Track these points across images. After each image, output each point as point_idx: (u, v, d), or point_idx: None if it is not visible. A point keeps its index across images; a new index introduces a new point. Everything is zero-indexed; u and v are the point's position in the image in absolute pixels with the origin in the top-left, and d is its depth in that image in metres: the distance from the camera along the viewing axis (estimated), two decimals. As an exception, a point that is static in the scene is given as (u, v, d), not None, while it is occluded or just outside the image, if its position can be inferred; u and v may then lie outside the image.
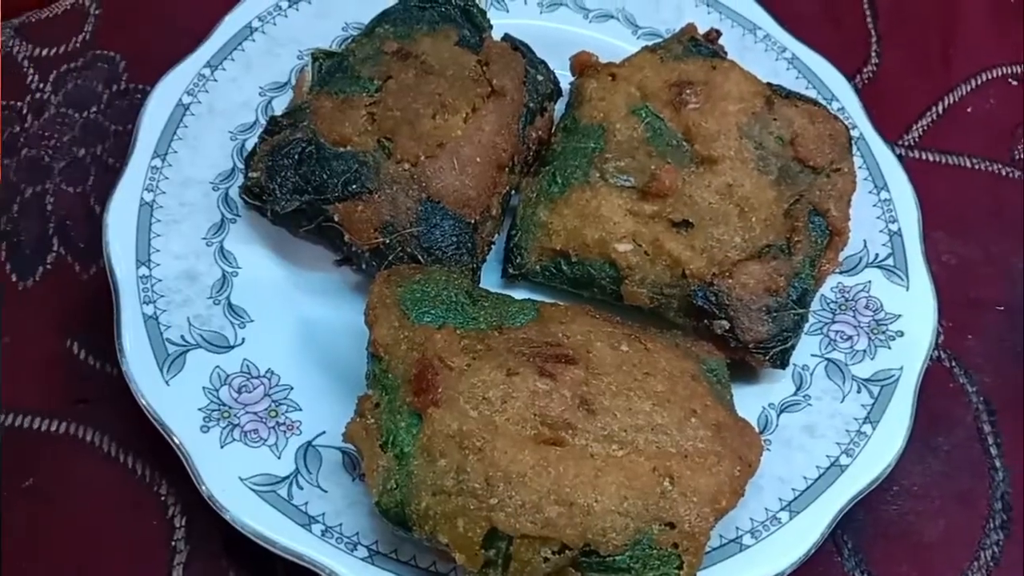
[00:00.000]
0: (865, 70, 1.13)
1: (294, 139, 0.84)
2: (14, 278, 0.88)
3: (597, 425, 0.70)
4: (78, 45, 1.02)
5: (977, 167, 1.07)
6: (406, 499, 0.67)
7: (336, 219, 0.82)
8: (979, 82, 1.14)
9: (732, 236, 0.84)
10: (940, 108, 1.11)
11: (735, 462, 0.72)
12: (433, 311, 0.75)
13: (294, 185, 0.82)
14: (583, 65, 0.95)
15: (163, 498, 0.79)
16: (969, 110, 1.12)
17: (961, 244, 1.01)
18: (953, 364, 0.93)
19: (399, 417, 0.70)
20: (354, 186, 0.82)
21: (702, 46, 0.94)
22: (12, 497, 0.78)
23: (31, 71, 0.99)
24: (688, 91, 0.89)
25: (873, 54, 1.14)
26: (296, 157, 0.83)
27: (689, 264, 0.83)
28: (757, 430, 0.76)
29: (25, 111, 0.97)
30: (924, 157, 1.07)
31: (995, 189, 1.06)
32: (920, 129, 1.09)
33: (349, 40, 0.95)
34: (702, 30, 0.96)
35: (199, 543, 0.77)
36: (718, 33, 0.96)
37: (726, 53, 0.95)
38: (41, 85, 0.99)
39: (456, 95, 0.86)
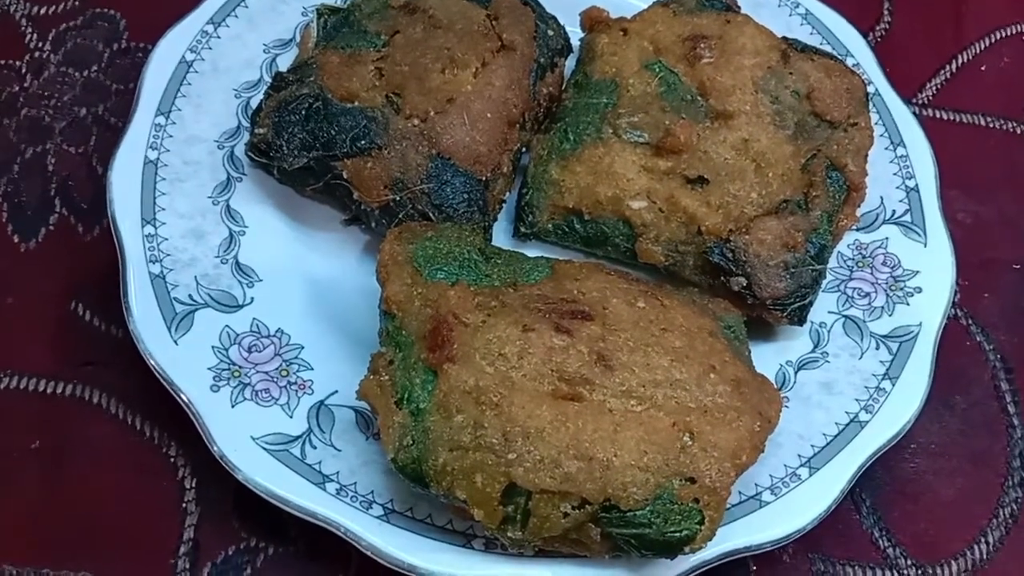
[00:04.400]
0: (877, 28, 1.11)
1: (301, 95, 0.82)
2: (16, 239, 0.87)
3: (615, 380, 0.69)
4: (77, 3, 1.00)
5: (991, 126, 1.06)
6: (423, 455, 0.66)
7: (345, 176, 0.80)
8: (992, 40, 1.12)
9: (748, 192, 0.83)
10: (953, 67, 1.10)
11: (755, 417, 0.70)
12: (446, 268, 0.74)
13: (302, 141, 0.81)
14: (593, 20, 0.93)
15: (172, 460, 0.78)
16: (982, 68, 1.10)
17: (976, 203, 0.99)
18: (969, 322, 0.92)
19: (414, 373, 0.69)
20: (363, 142, 0.80)
21: (715, 0, 0.92)
22: (20, 459, 0.77)
23: (29, 30, 0.97)
24: (702, 45, 0.87)
25: (885, 12, 1.13)
26: (303, 113, 0.81)
27: (705, 221, 0.82)
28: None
29: (24, 70, 0.95)
30: (937, 116, 1.06)
31: (1009, 148, 1.05)
32: (933, 88, 1.08)
33: (354, -5, 0.93)
34: (714, -15, 0.94)
35: (210, 505, 0.76)
36: (731, -13, 0.94)
37: (739, 8, 0.93)
38: (40, 44, 0.97)
39: (465, 49, 0.84)
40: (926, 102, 1.06)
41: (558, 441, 0.66)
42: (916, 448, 0.84)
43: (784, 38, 0.90)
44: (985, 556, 0.80)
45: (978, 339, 0.91)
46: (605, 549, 0.67)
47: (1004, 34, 1.13)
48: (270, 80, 0.87)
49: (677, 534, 0.66)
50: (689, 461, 0.67)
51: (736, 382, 0.72)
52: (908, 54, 1.09)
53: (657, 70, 0.87)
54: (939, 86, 1.08)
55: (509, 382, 0.67)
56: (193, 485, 0.76)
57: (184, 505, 0.76)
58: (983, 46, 1.12)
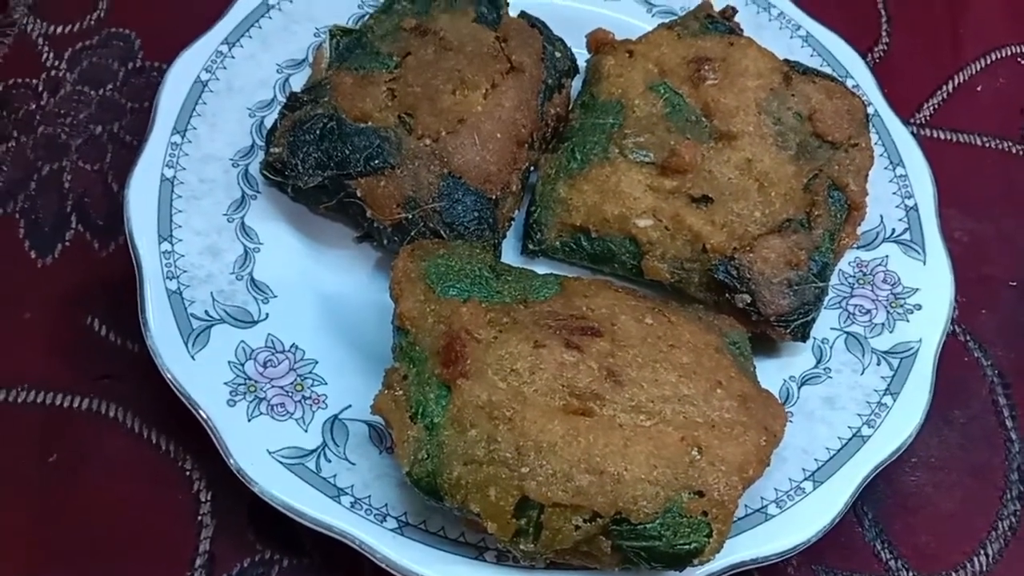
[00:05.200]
0: (876, 50, 1.13)
1: (315, 115, 0.84)
2: (33, 255, 0.88)
3: (624, 396, 0.71)
4: (93, 23, 1.01)
5: (988, 145, 1.08)
6: (437, 469, 0.68)
7: (358, 194, 0.82)
8: (989, 61, 1.14)
9: (752, 211, 0.85)
10: (950, 87, 1.12)
11: (761, 432, 0.72)
12: (458, 285, 0.76)
13: (316, 160, 0.82)
14: (599, 42, 0.95)
15: (188, 473, 0.79)
16: (979, 89, 1.12)
17: (973, 221, 1.01)
18: (967, 338, 0.94)
19: (428, 388, 0.70)
20: (376, 161, 0.82)
21: (718, 23, 0.94)
22: (37, 473, 0.78)
23: (46, 49, 0.99)
24: (706, 67, 0.89)
25: (883, 34, 1.15)
26: (318, 133, 0.83)
27: (710, 239, 0.84)
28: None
29: (41, 89, 0.97)
30: (935, 135, 1.08)
31: (1006, 167, 1.07)
32: (931, 108, 1.10)
33: (366, 17, 0.95)
34: (717, 7, 0.96)
35: (225, 517, 0.77)
36: (734, 10, 0.96)
37: (742, 30, 0.96)
38: (56, 63, 0.98)
39: (475, 71, 0.86)
40: (924, 122, 1.09)
41: (570, 455, 0.67)
42: (917, 462, 0.86)
43: (786, 60, 0.93)
44: (984, 568, 0.82)
45: (976, 355, 0.93)
46: (615, 562, 0.69)
47: (1000, 55, 1.15)
48: (283, 100, 0.88)
49: (686, 546, 0.67)
50: (697, 475, 0.68)
51: (742, 397, 0.73)
52: (906, 75, 1.11)
53: (662, 91, 0.89)
54: (937, 106, 1.10)
55: (521, 397, 0.69)
56: (208, 498, 0.78)
57: (200, 518, 0.77)
58: (980, 66, 1.14)
